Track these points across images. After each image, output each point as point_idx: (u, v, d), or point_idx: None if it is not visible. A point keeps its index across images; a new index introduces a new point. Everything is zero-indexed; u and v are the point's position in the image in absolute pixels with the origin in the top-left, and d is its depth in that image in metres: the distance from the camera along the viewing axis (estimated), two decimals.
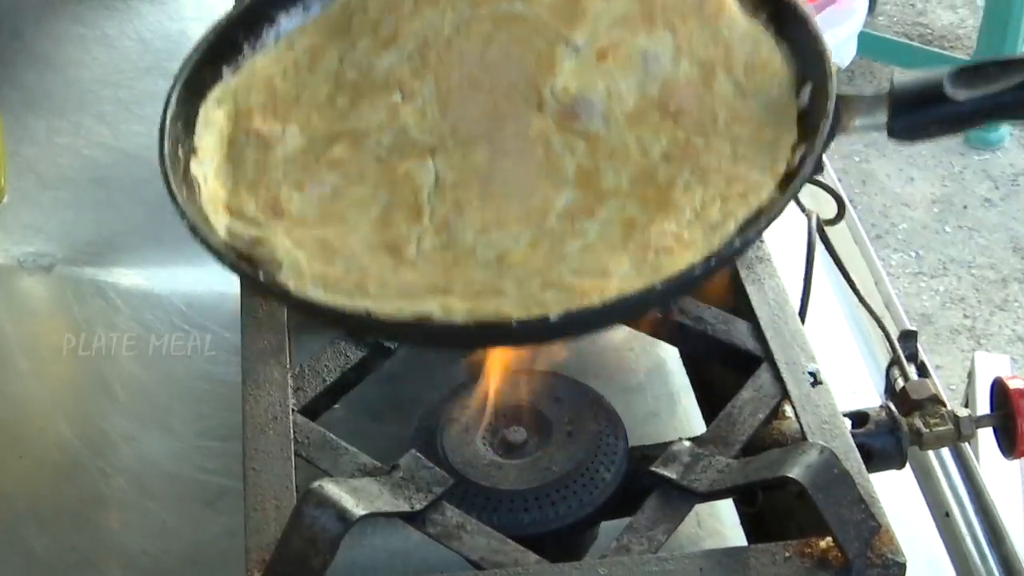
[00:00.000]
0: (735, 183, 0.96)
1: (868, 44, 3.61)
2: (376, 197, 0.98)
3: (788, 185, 0.95)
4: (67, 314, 1.41)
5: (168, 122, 1.00)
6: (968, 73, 0.96)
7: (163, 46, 1.80)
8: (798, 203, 1.38)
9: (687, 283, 0.94)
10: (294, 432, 1.08)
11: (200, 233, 0.95)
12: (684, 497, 1.03)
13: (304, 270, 0.93)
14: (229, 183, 1.00)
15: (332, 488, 0.96)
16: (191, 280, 1.45)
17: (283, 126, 1.03)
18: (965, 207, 3.66)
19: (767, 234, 1.19)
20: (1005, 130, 3.83)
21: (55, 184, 1.58)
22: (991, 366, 1.84)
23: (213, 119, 1.02)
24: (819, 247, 1.30)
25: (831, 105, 0.95)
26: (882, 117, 0.97)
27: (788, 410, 1.12)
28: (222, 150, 1.02)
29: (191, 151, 1.01)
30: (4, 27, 1.80)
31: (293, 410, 1.09)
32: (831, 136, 0.95)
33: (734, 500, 1.16)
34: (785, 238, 1.31)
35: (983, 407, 1.19)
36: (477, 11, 1.06)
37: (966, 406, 1.27)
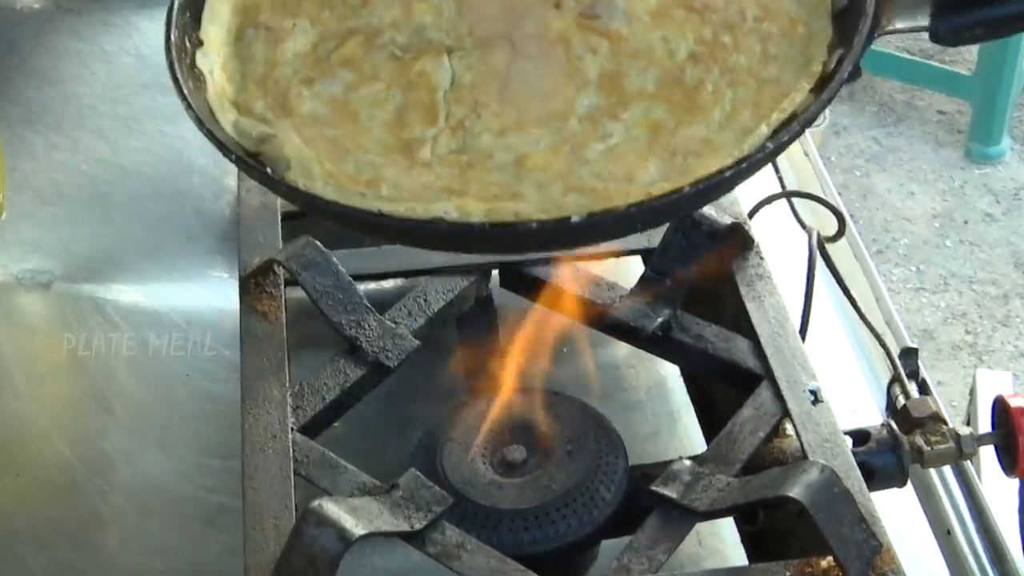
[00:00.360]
0: (766, 86, 0.92)
1: (869, 58, 3.60)
2: (390, 96, 0.95)
3: (823, 88, 0.90)
4: (65, 331, 1.42)
5: (175, 11, 0.96)
6: None
7: (162, 62, 1.78)
8: (798, 220, 1.38)
9: (717, 187, 0.89)
10: (293, 451, 1.08)
11: (207, 126, 0.91)
12: (685, 516, 1.04)
13: (314, 169, 0.90)
14: (236, 78, 0.97)
15: (331, 507, 0.97)
16: (190, 297, 1.45)
17: (293, 20, 0.99)
18: (966, 222, 3.67)
19: (768, 251, 1.20)
20: (1006, 144, 3.84)
21: (53, 200, 1.58)
22: (993, 383, 1.84)
23: (220, 11, 0.99)
24: (820, 264, 1.31)
25: (870, 3, 0.90)
26: (924, 18, 0.92)
27: (789, 428, 1.12)
28: (229, 44, 0.98)
29: (197, 43, 0.97)
30: (2, 42, 1.80)
31: (292, 428, 1.10)
32: (871, 37, 0.90)
33: (735, 519, 1.17)
34: (786, 255, 1.31)
35: (985, 425, 1.20)
36: None
37: (968, 424, 1.28)
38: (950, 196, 3.75)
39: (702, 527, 1.16)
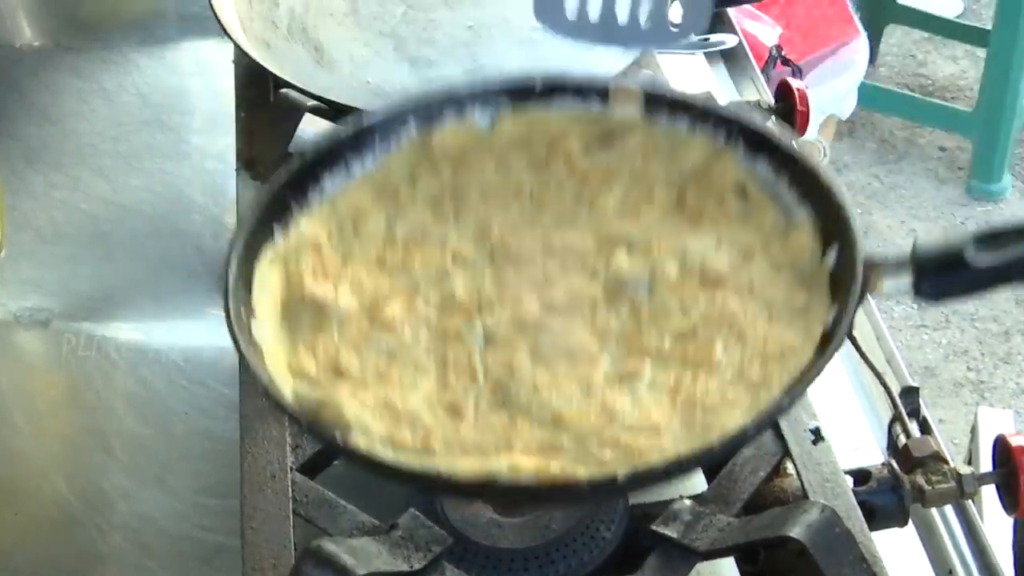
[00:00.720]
0: (771, 342, 0.99)
1: (869, 95, 3.63)
2: (431, 358, 1.01)
3: (826, 344, 0.97)
4: (64, 369, 1.42)
5: (231, 285, 1.01)
6: (991, 238, 0.99)
7: (162, 100, 1.81)
8: None
9: (741, 442, 1.00)
10: (292, 490, 1.08)
11: (275, 397, 0.95)
12: (685, 556, 1.04)
13: (372, 431, 0.95)
14: (287, 343, 1.01)
15: (330, 547, 0.97)
16: (189, 335, 1.46)
17: (335, 288, 1.05)
18: None
19: None
20: (1007, 181, 3.85)
21: (53, 239, 1.59)
22: (994, 422, 1.84)
23: (267, 281, 1.04)
24: None
25: (859, 271, 0.97)
26: (907, 281, 0.99)
27: (790, 467, 1.12)
28: (278, 312, 1.03)
29: (251, 312, 1.02)
30: (1, 79, 1.81)
31: (291, 468, 1.10)
32: (861, 299, 0.97)
33: (736, 559, 1.16)
34: None
35: (986, 463, 1.20)
36: (542, 214, 1.10)
37: (969, 462, 1.28)
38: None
39: (703, 567, 1.16)
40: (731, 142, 1.09)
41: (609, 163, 1.12)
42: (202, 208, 1.62)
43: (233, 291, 1.00)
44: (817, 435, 1.12)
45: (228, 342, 1.31)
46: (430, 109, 1.12)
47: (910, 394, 1.30)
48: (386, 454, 0.94)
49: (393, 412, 0.97)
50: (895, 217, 3.79)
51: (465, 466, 0.93)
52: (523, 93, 1.13)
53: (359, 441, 0.94)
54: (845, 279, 0.98)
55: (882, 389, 1.32)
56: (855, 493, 1.11)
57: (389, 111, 1.12)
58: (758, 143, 1.09)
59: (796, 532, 0.98)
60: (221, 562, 1.22)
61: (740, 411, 0.95)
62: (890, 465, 1.15)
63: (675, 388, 0.98)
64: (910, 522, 1.15)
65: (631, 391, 0.98)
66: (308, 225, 1.07)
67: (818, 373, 0.94)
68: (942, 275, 0.99)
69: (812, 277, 1.03)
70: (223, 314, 1.35)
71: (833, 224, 1.02)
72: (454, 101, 1.13)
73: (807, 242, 1.04)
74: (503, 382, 0.99)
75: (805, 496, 1.09)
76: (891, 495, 1.12)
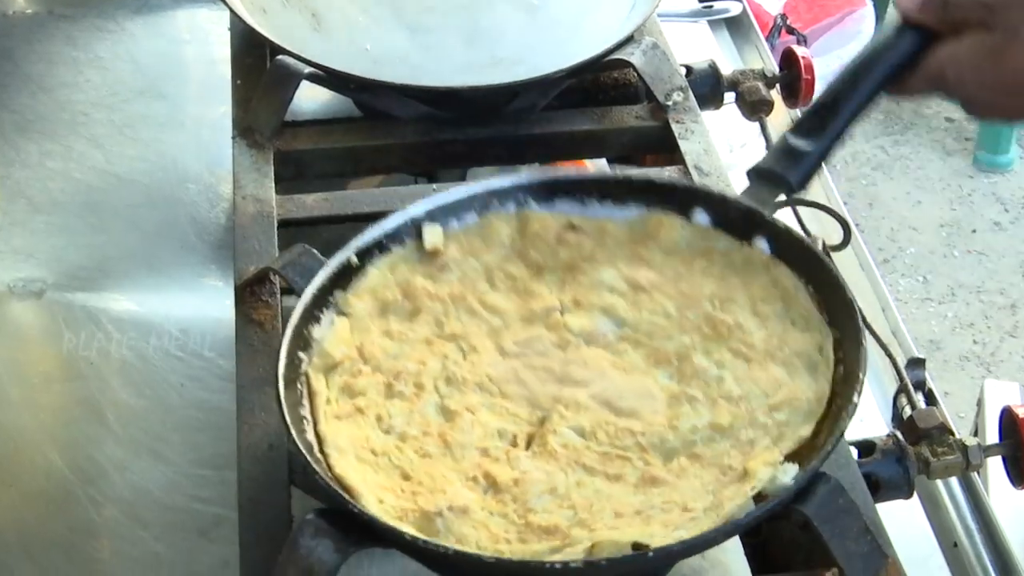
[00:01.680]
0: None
1: None
2: None
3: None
4: (58, 340, 1.42)
5: (283, 397, 1.04)
6: (806, 124, 1.18)
7: (157, 68, 1.80)
8: (803, 228, 1.38)
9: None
10: (289, 461, 1.08)
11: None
12: None
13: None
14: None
15: (328, 518, 0.97)
16: (185, 306, 1.45)
17: (356, 404, 1.09)
18: (974, 231, 3.67)
19: None
20: (1015, 152, 3.84)
21: (47, 208, 1.58)
22: (1000, 394, 1.84)
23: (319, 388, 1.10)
24: None
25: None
26: (779, 190, 1.18)
27: None
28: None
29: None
30: None
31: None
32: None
33: None
34: None
35: (992, 436, 1.19)
36: None
37: (975, 435, 1.27)
38: (957, 205, 3.75)
39: None
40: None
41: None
42: (197, 177, 1.62)
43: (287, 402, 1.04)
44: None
45: (224, 312, 1.32)
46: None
47: (916, 366, 1.30)
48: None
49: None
50: (901, 188, 3.78)
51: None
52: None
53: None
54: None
55: (888, 361, 1.32)
56: (860, 465, 1.11)
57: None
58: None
59: (800, 504, 0.98)
60: (217, 534, 1.22)
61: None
62: (895, 437, 1.14)
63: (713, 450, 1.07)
64: (915, 494, 1.15)
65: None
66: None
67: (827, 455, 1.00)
68: (788, 167, 1.17)
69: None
70: (219, 284, 1.36)
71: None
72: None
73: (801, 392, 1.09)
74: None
75: None
76: (896, 467, 1.12)
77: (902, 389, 1.27)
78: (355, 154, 1.45)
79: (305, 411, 1.03)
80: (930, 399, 1.28)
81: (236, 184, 1.35)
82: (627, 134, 1.45)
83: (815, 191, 1.61)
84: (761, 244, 1.19)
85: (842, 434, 1.01)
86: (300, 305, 1.09)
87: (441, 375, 1.10)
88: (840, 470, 1.07)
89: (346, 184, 1.52)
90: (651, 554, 0.94)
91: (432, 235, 1.19)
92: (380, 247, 1.17)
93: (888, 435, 1.15)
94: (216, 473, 1.27)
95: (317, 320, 1.11)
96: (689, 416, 1.08)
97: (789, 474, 1.00)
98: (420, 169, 1.53)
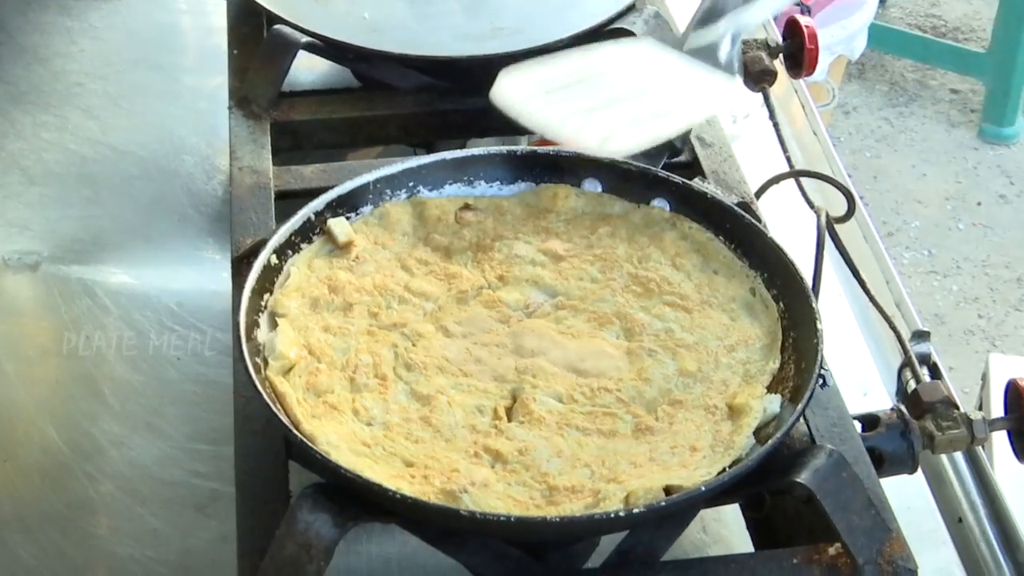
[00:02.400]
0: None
1: (880, 36, 3.62)
2: None
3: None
4: (54, 314, 1.42)
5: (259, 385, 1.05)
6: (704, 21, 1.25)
7: (152, 38, 1.80)
8: (807, 200, 1.38)
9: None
10: (287, 434, 1.08)
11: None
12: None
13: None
14: None
15: (326, 492, 0.97)
16: (182, 279, 1.45)
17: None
18: (979, 204, 3.67)
19: (775, 232, 1.20)
20: (1021, 124, 3.84)
21: (41, 180, 1.58)
22: (1006, 368, 1.84)
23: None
24: (829, 245, 1.30)
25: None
26: None
27: None
28: None
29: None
30: None
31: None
32: None
33: (741, 506, 1.17)
34: (794, 235, 1.31)
35: (998, 410, 1.19)
36: None
37: (980, 409, 1.27)
38: (963, 177, 3.75)
39: (706, 514, 1.16)
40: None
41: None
42: (194, 149, 1.62)
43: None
44: (824, 380, 1.12)
45: (221, 286, 1.32)
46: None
47: (920, 338, 1.30)
48: None
49: None
50: (905, 161, 3.78)
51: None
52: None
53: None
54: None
55: (892, 334, 1.31)
56: (863, 439, 1.10)
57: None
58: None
59: (803, 477, 0.98)
60: (215, 509, 1.22)
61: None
62: (899, 410, 1.14)
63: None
64: (919, 469, 1.15)
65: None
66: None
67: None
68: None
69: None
70: (216, 257, 1.36)
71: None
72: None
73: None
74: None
75: (812, 441, 1.09)
76: (900, 441, 1.12)
77: (906, 362, 1.27)
78: (353, 125, 1.45)
79: (279, 415, 1.03)
80: (935, 372, 1.28)
81: (233, 155, 1.35)
82: None
83: (818, 162, 1.61)
84: (661, 204, 1.24)
85: (820, 357, 1.06)
86: (240, 312, 1.09)
87: (399, 363, 1.12)
88: (843, 444, 1.07)
89: (344, 155, 1.52)
90: (700, 491, 0.97)
91: (341, 229, 1.20)
92: (292, 246, 1.18)
93: (892, 409, 1.15)
94: (213, 448, 1.27)
95: (257, 324, 1.11)
96: (655, 367, 1.11)
97: (775, 403, 1.06)
98: (419, 140, 1.52)
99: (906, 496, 1.18)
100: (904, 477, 1.14)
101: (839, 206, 1.34)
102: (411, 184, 1.25)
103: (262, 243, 1.16)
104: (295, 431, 1.01)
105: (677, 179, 1.24)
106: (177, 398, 1.33)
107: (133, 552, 1.19)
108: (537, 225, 1.24)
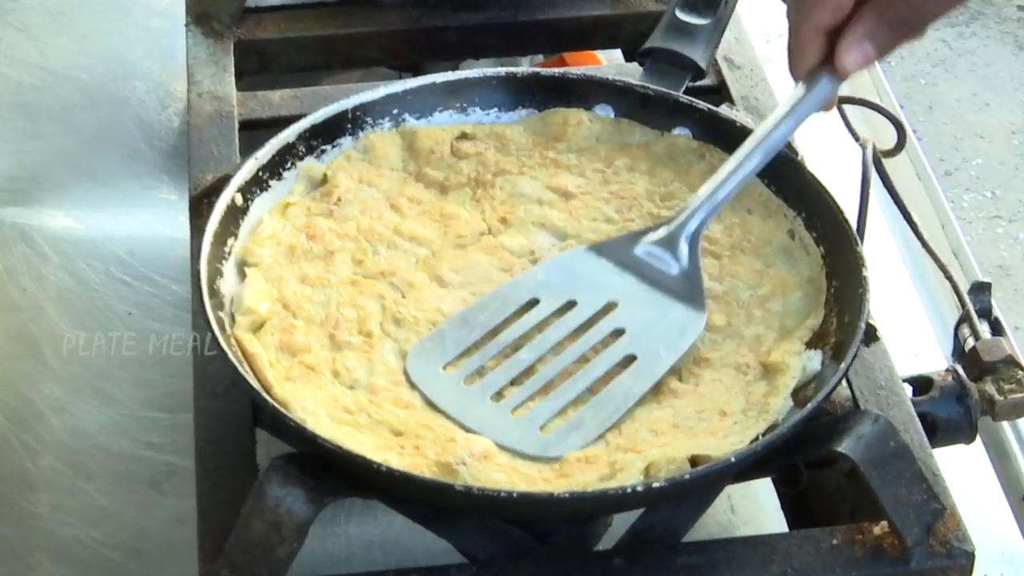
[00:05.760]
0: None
1: None
2: None
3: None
4: None
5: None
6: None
7: None
8: (851, 131, 1.38)
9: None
10: (255, 399, 1.09)
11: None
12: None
13: None
14: None
15: (300, 463, 0.97)
16: (133, 223, 1.46)
17: None
18: None
19: (814, 167, 1.20)
20: None
21: None
22: None
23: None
24: (876, 183, 1.30)
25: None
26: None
27: None
28: None
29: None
30: None
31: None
32: None
33: (773, 480, 1.17)
34: (836, 171, 1.31)
35: None
36: None
37: None
38: None
39: (734, 491, 1.17)
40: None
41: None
42: (145, 73, 1.62)
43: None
44: (871, 335, 1.13)
45: (177, 231, 1.32)
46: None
47: (980, 291, 1.30)
48: None
49: None
50: (966, 89, 3.78)
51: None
52: None
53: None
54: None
55: (947, 285, 1.31)
56: (914, 403, 1.11)
57: None
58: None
59: (845, 447, 0.98)
60: (171, 486, 1.22)
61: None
62: (955, 371, 1.15)
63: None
64: (978, 438, 1.15)
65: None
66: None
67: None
68: (688, 46, 1.28)
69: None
70: (171, 197, 1.36)
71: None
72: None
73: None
74: None
75: (856, 406, 1.09)
76: (956, 406, 1.13)
77: (964, 318, 1.27)
78: (329, 44, 1.45)
79: (248, 379, 1.03)
80: (996, 329, 1.28)
81: (190, 80, 1.35)
82: (645, 20, 1.44)
83: (865, 88, 1.61)
84: (683, 132, 1.25)
85: (866, 309, 1.06)
86: (201, 259, 1.09)
87: (386, 317, 1.12)
88: (891, 409, 1.08)
89: (319, 80, 1.52)
90: (729, 462, 0.97)
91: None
92: (259, 183, 1.18)
93: (947, 369, 1.16)
94: (169, 415, 1.28)
95: (220, 274, 1.12)
96: None
97: (816, 360, 1.07)
98: (405, 62, 1.53)
99: (963, 469, 1.18)
100: (960, 447, 1.15)
101: (888, 139, 1.34)
102: (395, 112, 1.25)
103: (225, 180, 1.16)
104: (266, 396, 1.02)
105: (702, 105, 1.24)
106: (128, 359, 1.33)
107: (78, 534, 1.20)
108: (545, 157, 1.25)
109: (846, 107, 1.40)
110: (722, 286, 1.14)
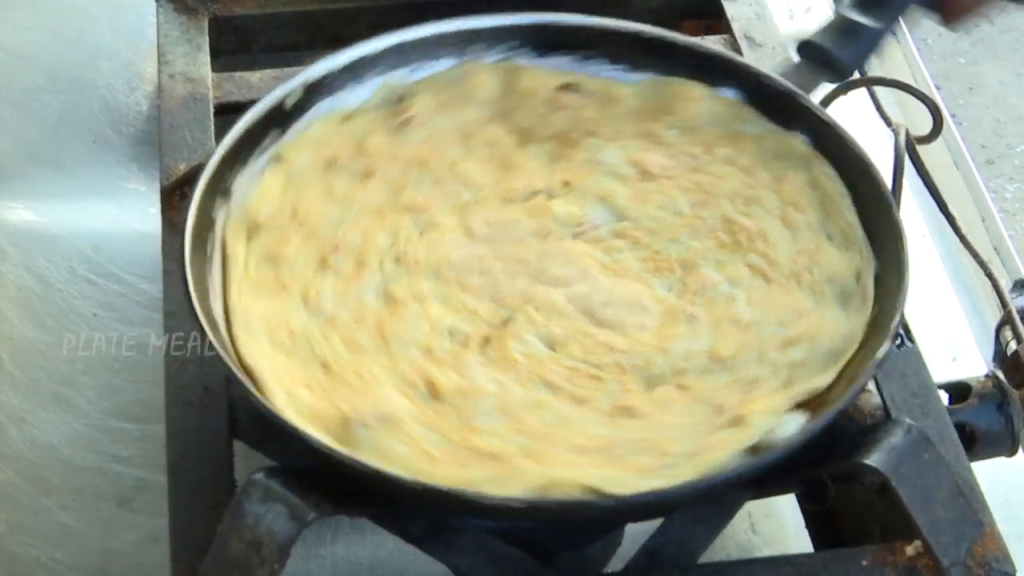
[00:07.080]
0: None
1: None
2: None
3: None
4: None
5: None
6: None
7: None
8: (882, 114, 1.38)
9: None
10: (231, 407, 1.09)
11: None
12: (733, 491, 1.05)
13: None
14: None
15: (282, 478, 0.97)
16: (99, 216, 1.46)
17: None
18: None
19: None
20: None
21: None
22: None
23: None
24: (909, 171, 1.31)
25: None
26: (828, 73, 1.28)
27: None
28: None
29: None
30: None
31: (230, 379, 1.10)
32: None
33: (797, 497, 1.17)
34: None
35: None
36: None
37: None
38: None
39: (755, 508, 1.18)
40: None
41: None
42: (113, 53, 1.62)
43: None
44: (903, 338, 1.13)
45: (147, 224, 1.32)
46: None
47: None
48: None
49: None
50: (1009, 68, 3.77)
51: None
52: None
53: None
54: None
55: (988, 283, 1.32)
56: (951, 412, 1.12)
57: None
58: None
59: (874, 459, 0.98)
60: (141, 503, 1.23)
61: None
62: (996, 377, 1.15)
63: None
64: (1021, 450, 1.15)
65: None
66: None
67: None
68: (842, 45, 1.27)
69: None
70: (141, 188, 1.36)
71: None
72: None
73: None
74: None
75: (887, 415, 1.09)
76: (996, 415, 1.13)
77: (1006, 319, 1.27)
78: (312, 20, 1.45)
79: (214, 280, 1.03)
80: None
81: (161, 60, 1.35)
82: None
83: (899, 69, 1.61)
84: (799, 136, 1.23)
85: (863, 386, 1.03)
86: (226, 141, 1.09)
87: (389, 253, 1.13)
88: (926, 418, 1.08)
89: (301, 60, 1.52)
90: (611, 503, 0.96)
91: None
92: (328, 87, 1.19)
93: (987, 375, 1.16)
94: (138, 426, 1.28)
95: (244, 163, 1.12)
96: (685, 338, 1.11)
97: (793, 425, 1.02)
98: None
99: (1004, 484, 1.19)
100: (1001, 460, 1.15)
101: (923, 124, 1.34)
102: (510, 43, 1.26)
103: (199, 169, 1.17)
104: (198, 306, 1.02)
105: (823, 113, 1.23)
106: (93, 364, 1.33)
107: (38, 554, 1.20)
108: (643, 128, 1.24)
109: (877, 89, 1.41)
110: (752, 313, 1.12)
